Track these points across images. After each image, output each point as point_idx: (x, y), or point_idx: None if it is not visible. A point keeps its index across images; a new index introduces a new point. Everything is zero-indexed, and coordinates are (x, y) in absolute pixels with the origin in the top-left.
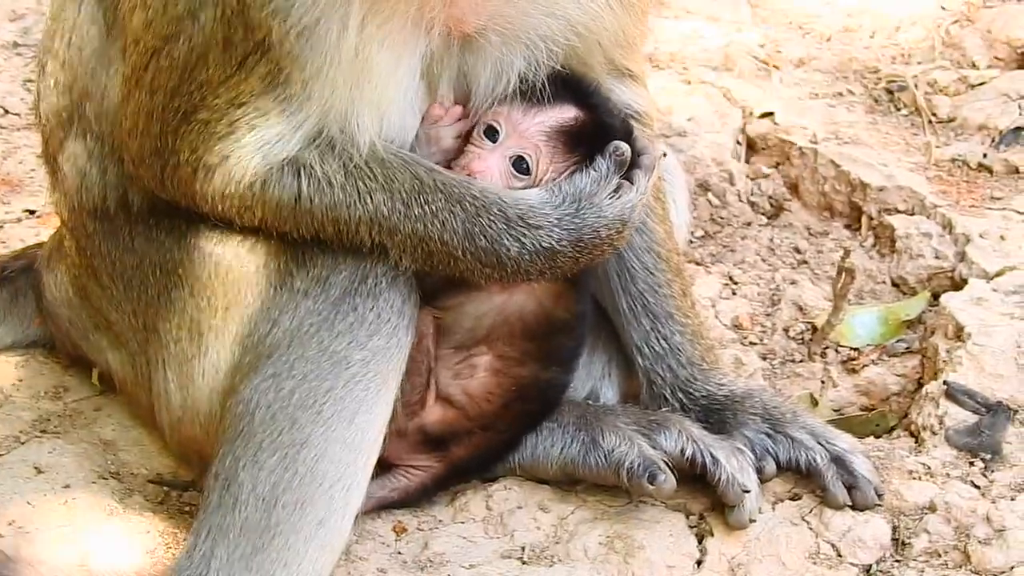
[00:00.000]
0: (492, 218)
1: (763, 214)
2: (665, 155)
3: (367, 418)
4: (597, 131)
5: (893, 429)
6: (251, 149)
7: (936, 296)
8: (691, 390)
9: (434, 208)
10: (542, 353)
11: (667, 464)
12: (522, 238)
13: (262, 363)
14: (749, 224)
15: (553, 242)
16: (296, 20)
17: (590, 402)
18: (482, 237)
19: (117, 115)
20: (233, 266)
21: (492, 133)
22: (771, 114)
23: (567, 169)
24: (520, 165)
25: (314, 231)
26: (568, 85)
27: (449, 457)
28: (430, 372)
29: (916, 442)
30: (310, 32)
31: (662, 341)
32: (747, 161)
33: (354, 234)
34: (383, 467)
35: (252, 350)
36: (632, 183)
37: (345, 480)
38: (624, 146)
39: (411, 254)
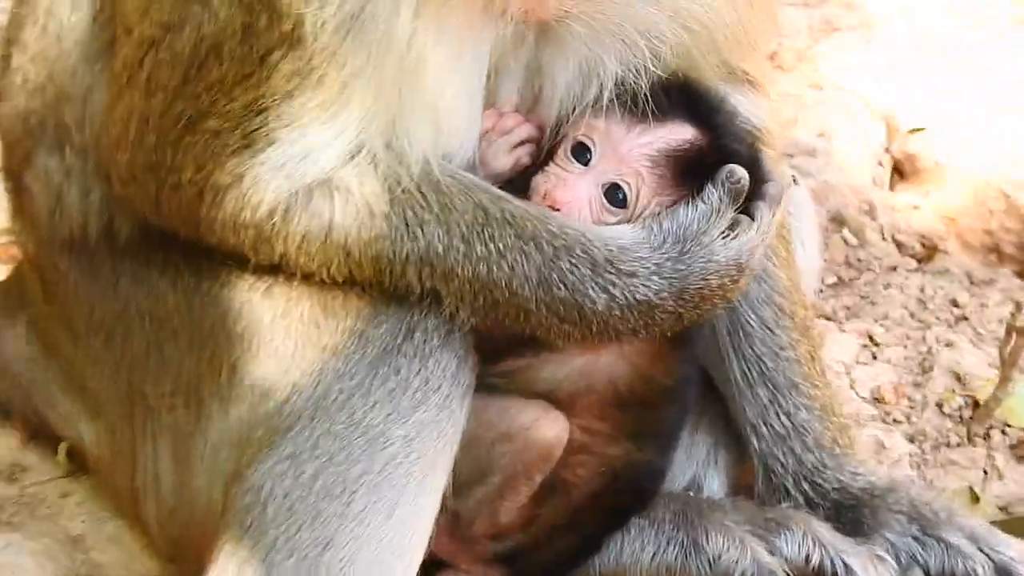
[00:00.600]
0: (575, 262)
1: (912, 256)
2: (795, 182)
3: (409, 511)
4: (717, 159)
5: None
6: (272, 167)
7: None
8: (819, 481)
9: (501, 247)
10: (637, 428)
11: (788, 574)
12: (611, 288)
13: (278, 440)
14: (894, 269)
15: (651, 294)
16: (336, 6)
17: (691, 494)
18: (561, 286)
19: (104, 122)
20: (243, 315)
21: (583, 152)
22: (923, 129)
23: (672, 204)
24: (615, 195)
25: (348, 272)
26: (684, 97)
27: (519, 562)
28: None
29: None
30: (352, 21)
31: (783, 418)
32: (892, 189)
33: (399, 277)
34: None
35: (265, 423)
36: (752, 219)
37: None
38: (741, 171)
39: (471, 304)
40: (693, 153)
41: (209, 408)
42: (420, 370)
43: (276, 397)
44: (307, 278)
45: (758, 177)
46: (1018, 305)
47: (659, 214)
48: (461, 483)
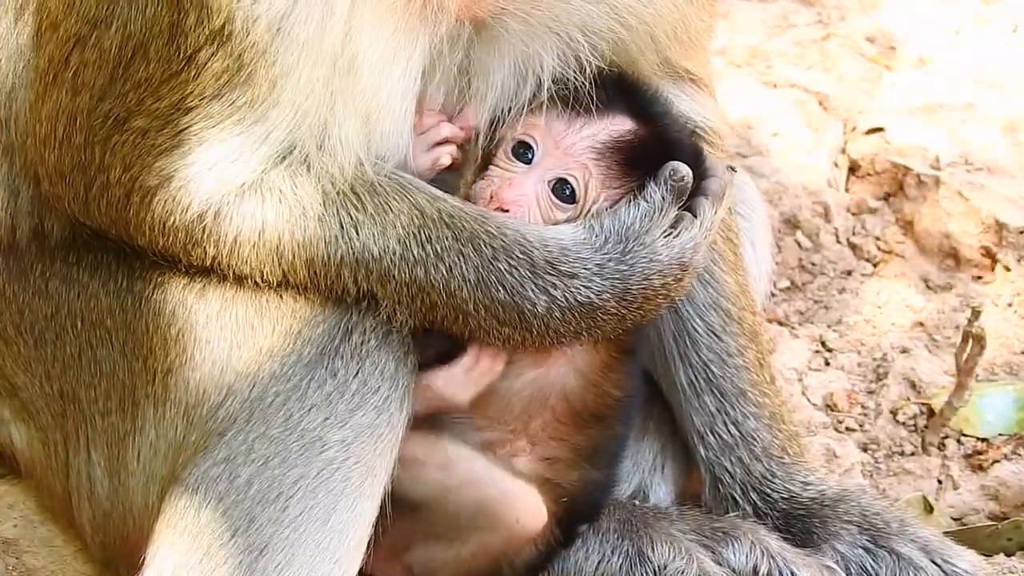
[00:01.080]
0: (514, 263)
1: (867, 260)
2: (734, 170)
3: (347, 517)
4: (660, 149)
5: None
6: (201, 168)
7: None
8: (768, 490)
9: (439, 248)
10: (592, 446)
11: None
12: (552, 290)
13: (213, 443)
14: (849, 273)
15: (592, 295)
16: (268, 3)
17: (637, 502)
18: (500, 288)
19: (31, 120)
20: (177, 317)
21: (524, 151)
22: (881, 129)
23: (621, 197)
24: (563, 190)
25: (282, 274)
26: (622, 90)
27: None
28: None
29: None
30: (284, 19)
31: (731, 426)
32: (848, 190)
33: (334, 279)
34: None
35: (200, 426)
36: (695, 215)
37: None
38: (683, 168)
39: (408, 306)
40: (637, 144)
41: (144, 411)
42: (358, 372)
43: (211, 400)
44: (241, 280)
45: (700, 172)
46: (975, 311)
47: (600, 214)
48: (425, 532)
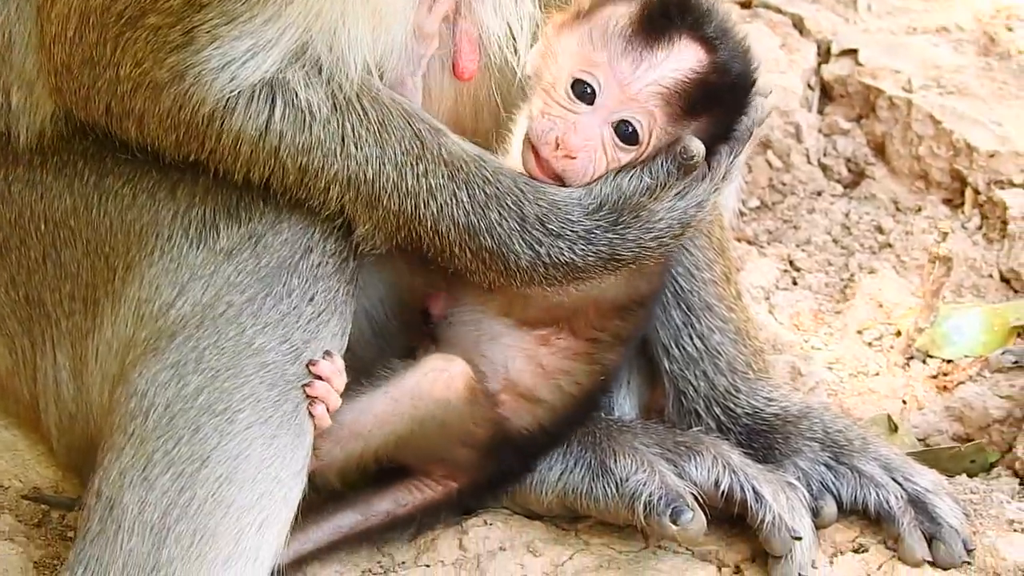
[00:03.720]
0: (504, 214)
1: (838, 181)
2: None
3: (292, 442)
4: (722, 87)
5: (993, 466)
6: (215, 66)
7: None
8: (731, 405)
9: (433, 184)
10: (627, 333)
11: (696, 499)
12: (537, 246)
13: (163, 344)
14: (819, 194)
15: (576, 258)
16: None
17: (602, 415)
18: (487, 236)
19: (17, 28)
20: (144, 211)
21: (585, 89)
22: (854, 52)
23: (676, 138)
24: (626, 130)
25: (269, 173)
26: (683, 9)
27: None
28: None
29: (1021, 484)
30: None
31: (696, 340)
32: (820, 112)
33: (320, 191)
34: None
35: (150, 323)
36: (709, 167)
37: (259, 511)
38: (696, 146)
39: (391, 234)
40: (701, 84)
41: (103, 308)
42: (312, 296)
43: (163, 296)
44: (217, 175)
45: (740, 110)
46: (943, 233)
47: (600, 178)
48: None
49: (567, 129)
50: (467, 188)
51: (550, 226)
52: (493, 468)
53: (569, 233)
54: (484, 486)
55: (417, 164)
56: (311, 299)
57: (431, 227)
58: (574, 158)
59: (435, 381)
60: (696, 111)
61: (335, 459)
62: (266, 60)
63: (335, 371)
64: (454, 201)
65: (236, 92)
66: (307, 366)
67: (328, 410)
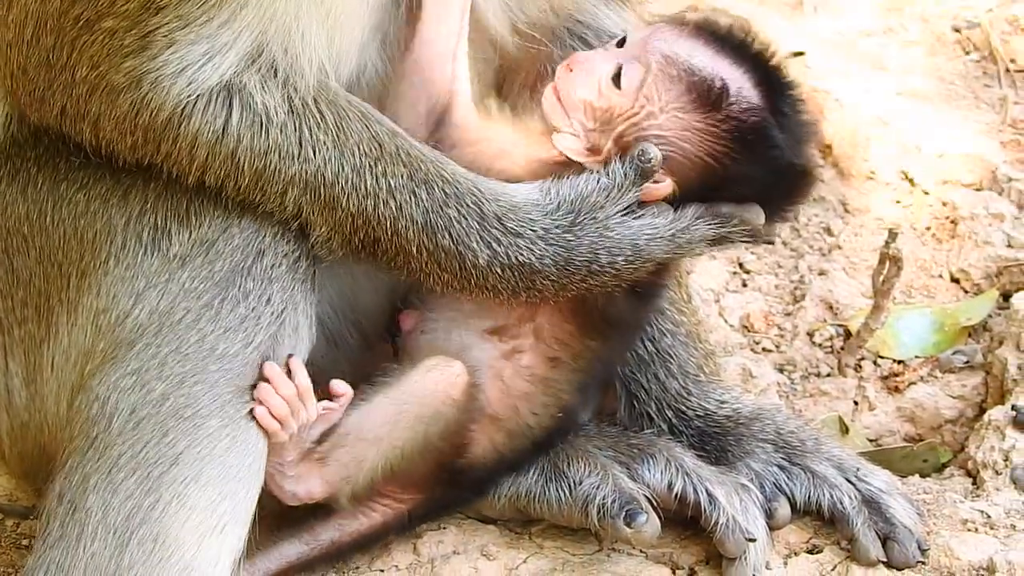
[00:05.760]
0: (463, 212)
1: None
2: None
3: (255, 439)
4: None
5: (945, 466)
6: (172, 71)
7: (1007, 296)
8: (683, 407)
9: (392, 184)
10: (590, 359)
11: (650, 501)
12: (495, 244)
13: (122, 353)
14: None
15: (533, 258)
16: None
17: None
18: (446, 234)
19: None
20: (98, 218)
21: (622, 40)
22: (801, 54)
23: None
24: (616, 76)
25: (224, 176)
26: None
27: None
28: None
29: (974, 483)
30: None
31: (647, 343)
32: None
33: (277, 195)
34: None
35: (108, 333)
36: (675, 210)
37: (222, 513)
38: (653, 151)
39: (349, 237)
40: (714, 96)
41: (58, 317)
42: (269, 298)
43: (120, 306)
44: (171, 180)
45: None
46: (892, 234)
47: (559, 181)
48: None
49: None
50: (426, 187)
51: (508, 224)
52: (445, 490)
53: (528, 232)
54: (434, 508)
55: (376, 165)
56: (268, 300)
57: (389, 227)
58: (571, 70)
59: (438, 381)
60: (701, 109)
61: (344, 466)
62: (222, 64)
63: (279, 374)
64: (413, 199)
65: (193, 96)
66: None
67: (271, 413)
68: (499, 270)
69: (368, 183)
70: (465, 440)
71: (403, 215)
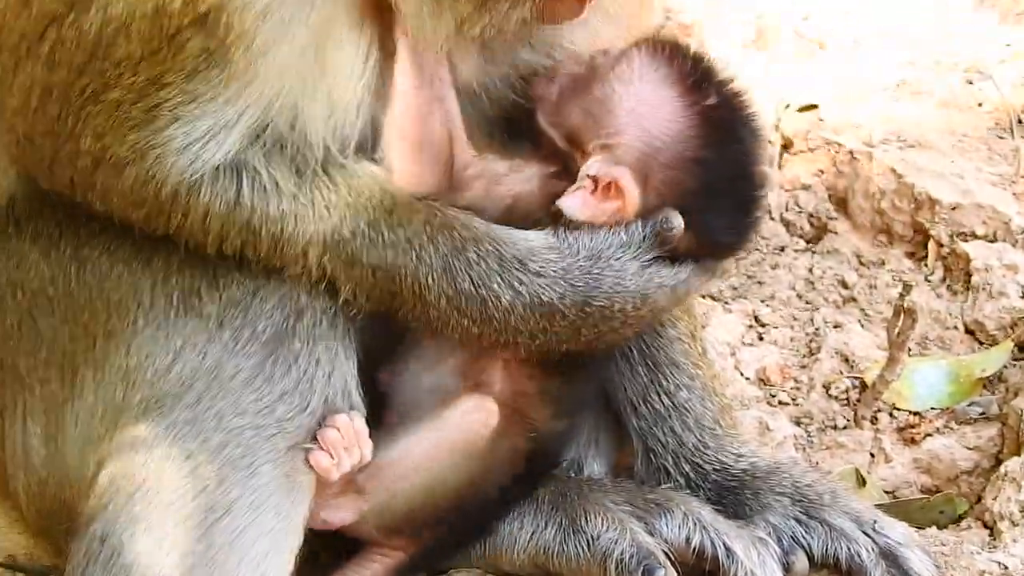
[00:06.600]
0: (482, 254)
1: (801, 236)
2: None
3: (301, 494)
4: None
5: (962, 518)
6: (177, 147)
7: (1021, 347)
8: (700, 462)
9: (409, 234)
10: (558, 390)
11: (668, 556)
12: (517, 284)
13: (170, 403)
14: (782, 249)
15: (555, 297)
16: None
17: (571, 475)
18: (467, 277)
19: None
20: (123, 282)
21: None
22: (815, 107)
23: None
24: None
25: (242, 244)
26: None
27: (432, 536)
28: None
29: (991, 535)
30: (266, 7)
31: (664, 397)
32: (781, 167)
33: (298, 256)
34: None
35: (145, 387)
36: (675, 265)
37: (270, 562)
38: (676, 220)
39: (369, 291)
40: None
41: (83, 375)
42: (319, 359)
43: (156, 363)
44: (189, 248)
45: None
46: (907, 286)
47: (577, 230)
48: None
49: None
50: (444, 231)
51: (529, 265)
52: (444, 533)
53: (549, 272)
54: (432, 554)
55: (391, 217)
56: (318, 360)
57: (410, 275)
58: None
59: (474, 421)
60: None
61: (380, 501)
62: (226, 140)
63: (344, 422)
64: (432, 246)
65: (200, 174)
66: (327, 420)
67: (329, 454)
68: (521, 310)
69: (385, 235)
70: (493, 478)
71: (423, 262)
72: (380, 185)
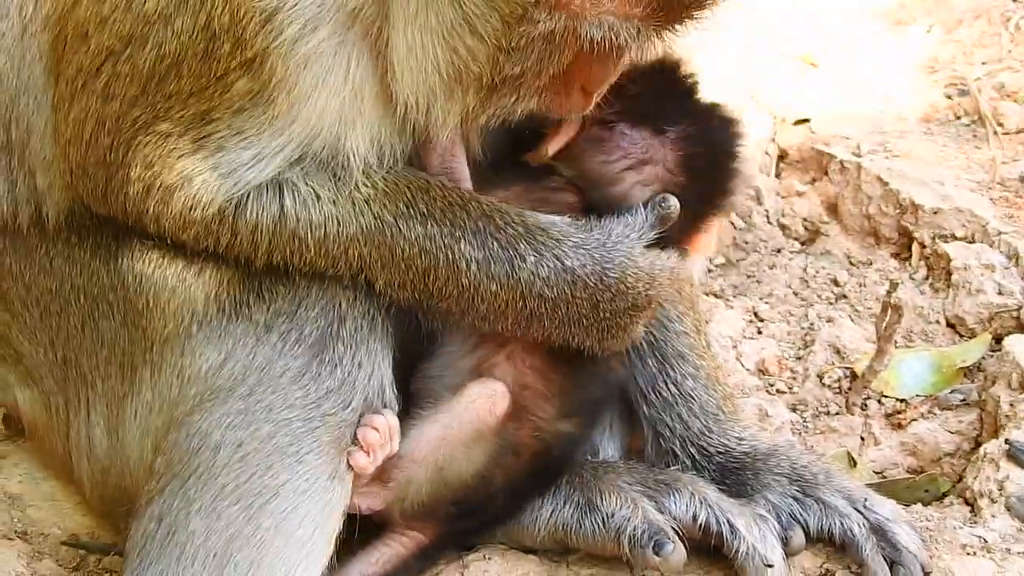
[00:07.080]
0: (508, 221)
1: (796, 239)
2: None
3: (343, 482)
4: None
5: (945, 495)
6: (221, 172)
7: (999, 339)
8: (705, 445)
9: (443, 204)
10: (563, 387)
11: (676, 532)
12: (542, 248)
13: (223, 395)
14: (779, 251)
15: (575, 264)
16: (293, 42)
17: (588, 458)
18: (495, 241)
19: (35, 119)
20: (176, 292)
21: None
22: (807, 120)
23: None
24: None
25: (288, 255)
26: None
27: (447, 522)
28: None
29: (972, 511)
30: (307, 56)
31: (671, 386)
32: (778, 176)
33: (341, 253)
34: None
35: (200, 382)
36: (673, 253)
37: (313, 544)
38: (672, 200)
39: (403, 274)
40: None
41: (141, 375)
42: (361, 363)
43: (209, 361)
44: (236, 262)
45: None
46: (893, 284)
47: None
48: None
49: None
50: (474, 202)
51: (552, 233)
52: (460, 519)
53: (569, 240)
54: (451, 539)
55: (426, 194)
56: (360, 365)
57: (445, 246)
58: None
59: (482, 405)
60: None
61: (399, 485)
62: (269, 166)
63: (381, 421)
64: (464, 213)
65: (243, 193)
66: (364, 420)
67: (366, 451)
68: (545, 274)
69: (424, 209)
70: (507, 464)
71: (456, 227)
72: (409, 178)
